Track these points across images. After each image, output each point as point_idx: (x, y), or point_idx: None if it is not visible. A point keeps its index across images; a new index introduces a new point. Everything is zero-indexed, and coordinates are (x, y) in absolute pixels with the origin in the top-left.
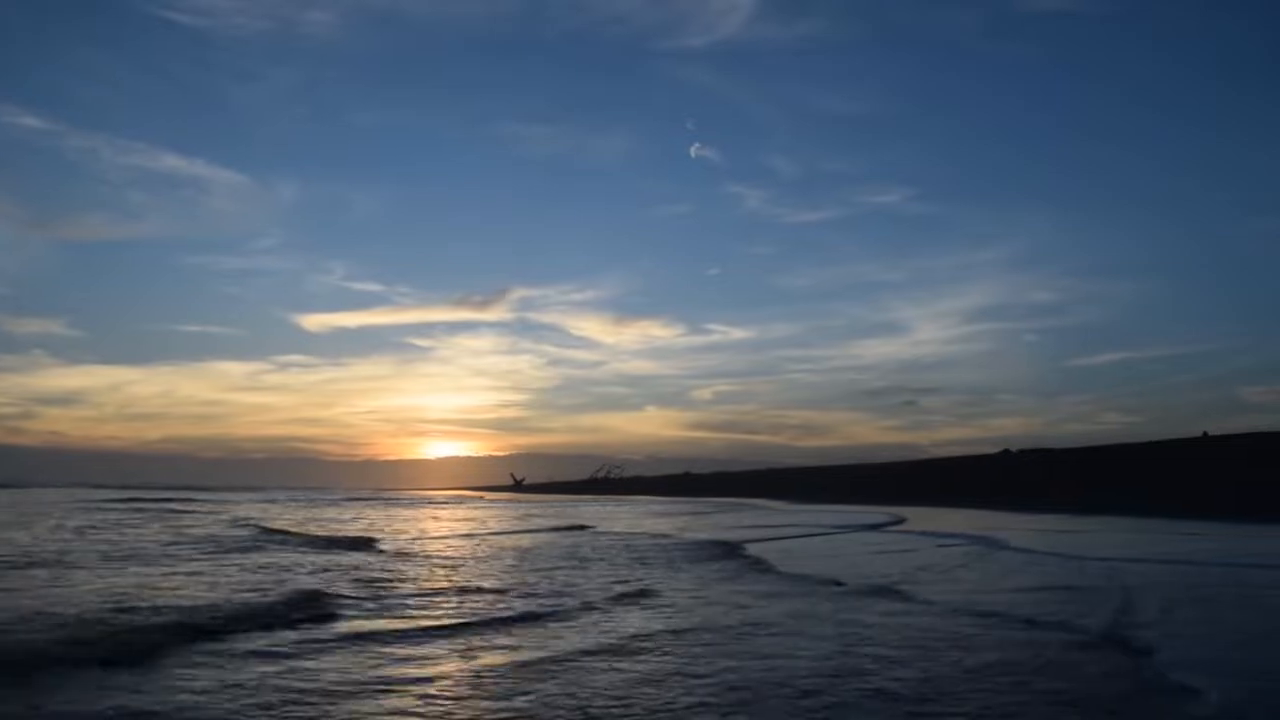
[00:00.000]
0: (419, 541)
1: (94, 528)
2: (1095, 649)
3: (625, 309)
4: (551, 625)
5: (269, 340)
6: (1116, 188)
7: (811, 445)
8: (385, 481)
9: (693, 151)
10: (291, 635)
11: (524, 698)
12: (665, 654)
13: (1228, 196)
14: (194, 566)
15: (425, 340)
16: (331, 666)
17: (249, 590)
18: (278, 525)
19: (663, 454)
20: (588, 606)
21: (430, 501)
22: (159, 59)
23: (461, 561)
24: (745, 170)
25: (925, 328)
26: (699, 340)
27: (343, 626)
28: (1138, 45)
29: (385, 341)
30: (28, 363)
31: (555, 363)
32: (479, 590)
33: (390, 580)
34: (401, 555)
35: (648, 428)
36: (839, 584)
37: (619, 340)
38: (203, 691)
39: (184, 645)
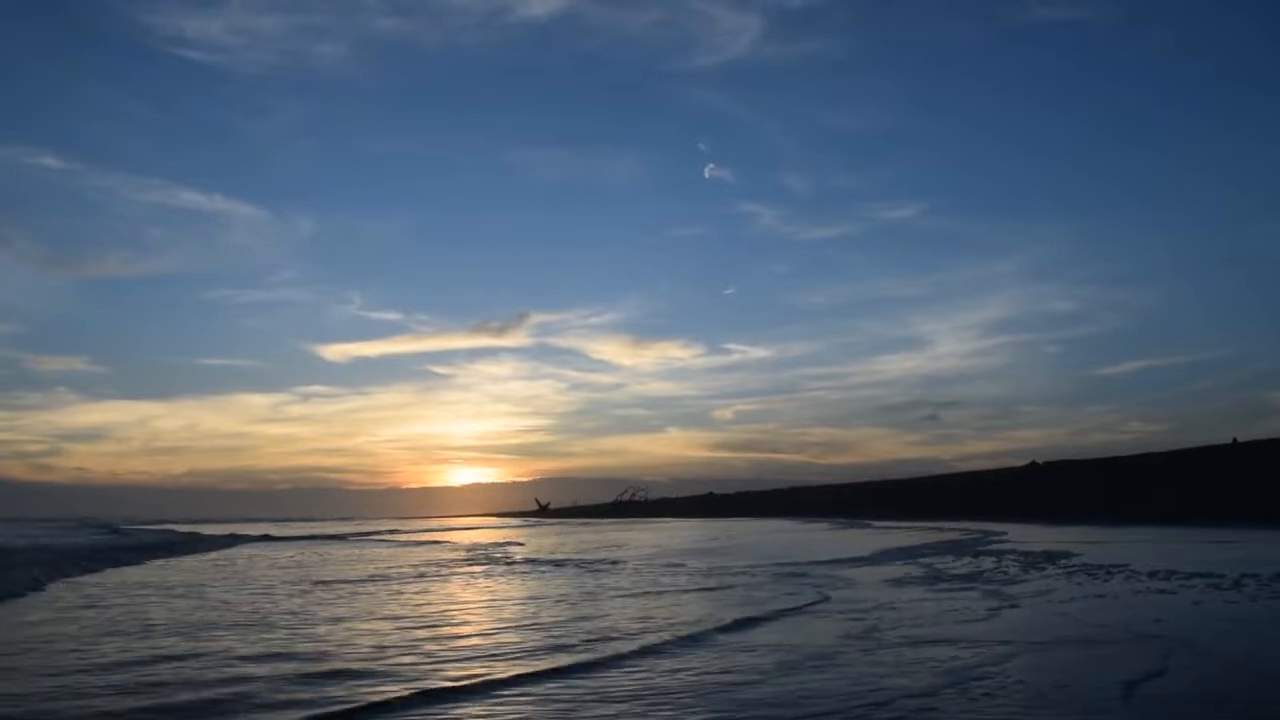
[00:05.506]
0: None
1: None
2: None
3: (644, 331)
4: None
5: (290, 372)
6: (1133, 193)
7: (834, 463)
8: (410, 510)
9: (707, 172)
10: None
11: None
12: None
13: (1246, 199)
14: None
15: (445, 368)
16: None
17: None
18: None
19: (685, 475)
20: None
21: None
22: (174, 97)
23: None
24: (758, 189)
25: (945, 341)
26: (718, 360)
27: None
28: (1149, 50)
29: (406, 370)
30: (52, 400)
31: (576, 386)
32: None
33: None
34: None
35: (670, 449)
36: None
37: (638, 362)
38: None
39: None
